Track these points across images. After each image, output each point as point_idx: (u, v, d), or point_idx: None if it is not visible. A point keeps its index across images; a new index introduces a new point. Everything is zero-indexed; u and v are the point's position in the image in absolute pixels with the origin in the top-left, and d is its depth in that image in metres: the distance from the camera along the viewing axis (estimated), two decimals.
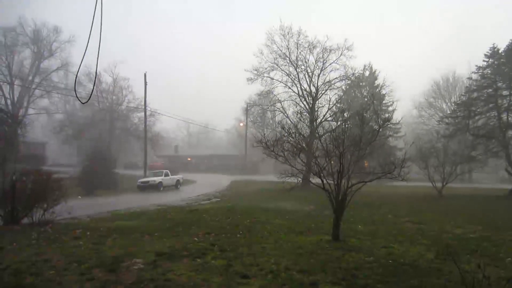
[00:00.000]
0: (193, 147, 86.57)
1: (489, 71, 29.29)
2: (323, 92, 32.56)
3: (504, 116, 28.49)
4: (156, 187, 29.40)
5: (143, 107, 38.72)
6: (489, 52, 29.14)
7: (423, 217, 14.75)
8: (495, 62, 28.91)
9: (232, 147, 72.62)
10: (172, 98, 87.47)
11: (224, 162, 64.47)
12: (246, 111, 45.76)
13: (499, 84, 28.65)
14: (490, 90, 29.02)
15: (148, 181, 30.10)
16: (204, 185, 33.14)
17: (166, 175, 31.63)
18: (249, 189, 29.91)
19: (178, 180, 32.57)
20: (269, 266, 7.02)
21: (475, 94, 30.37)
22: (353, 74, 32.62)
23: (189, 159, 69.05)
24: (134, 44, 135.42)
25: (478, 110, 29.76)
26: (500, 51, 28.72)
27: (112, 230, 10.99)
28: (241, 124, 60.17)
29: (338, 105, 31.19)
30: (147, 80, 36.83)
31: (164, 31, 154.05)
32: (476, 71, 30.71)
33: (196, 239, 9.64)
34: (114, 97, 49.58)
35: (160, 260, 7.37)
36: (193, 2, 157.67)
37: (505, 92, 28.61)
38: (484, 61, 29.54)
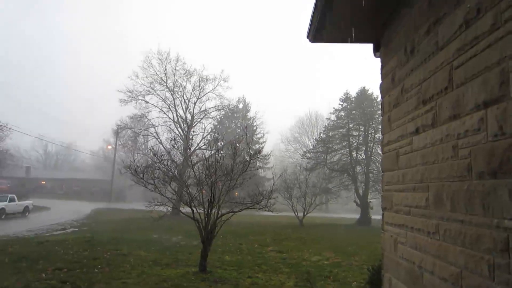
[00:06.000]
0: (50, 169, 77.17)
1: (343, 114, 33.64)
2: (198, 120, 32.81)
3: (354, 153, 32.82)
4: None
5: None
6: (343, 96, 33.54)
7: (286, 246, 15.66)
8: (348, 106, 33.37)
9: (97, 171, 67.12)
10: (27, 111, 77.38)
11: (87, 188, 59.34)
12: (117, 133, 43.02)
13: (351, 126, 33.07)
14: (344, 130, 33.28)
15: None
16: (60, 213, 29.58)
17: (12, 200, 27.18)
18: (113, 218, 27.73)
19: (26, 207, 28.35)
20: None
21: (331, 133, 34.41)
22: (228, 105, 33.84)
23: (43, 182, 61.14)
24: None
25: (334, 147, 33.72)
26: (351, 97, 33.30)
27: None
28: (109, 147, 56.16)
29: (213, 134, 31.71)
30: None
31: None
32: (333, 112, 34.93)
33: (43, 275, 8.35)
34: None
35: None
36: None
37: (355, 133, 33.10)
38: (339, 104, 33.85)
